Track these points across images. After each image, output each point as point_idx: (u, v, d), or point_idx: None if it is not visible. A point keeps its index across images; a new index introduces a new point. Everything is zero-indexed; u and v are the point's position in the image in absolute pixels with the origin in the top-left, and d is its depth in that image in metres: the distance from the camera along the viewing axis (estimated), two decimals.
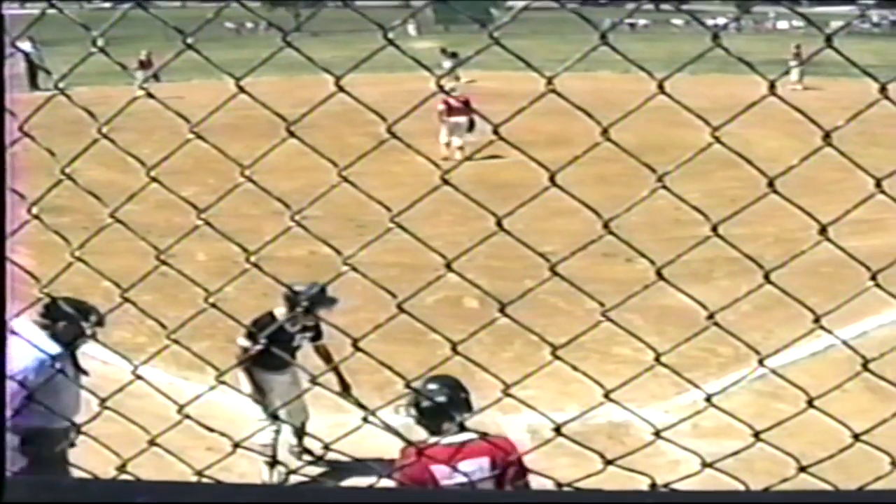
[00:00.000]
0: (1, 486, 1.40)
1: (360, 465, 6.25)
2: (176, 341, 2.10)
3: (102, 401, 2.10)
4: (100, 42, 1.78)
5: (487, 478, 4.34)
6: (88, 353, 5.40)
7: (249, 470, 6.87)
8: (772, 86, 1.58)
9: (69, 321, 4.99)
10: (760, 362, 1.92)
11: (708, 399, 1.99)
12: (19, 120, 1.60)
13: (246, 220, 8.17)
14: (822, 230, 1.66)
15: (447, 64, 24.24)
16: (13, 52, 1.62)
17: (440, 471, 4.31)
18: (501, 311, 1.83)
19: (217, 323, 5.30)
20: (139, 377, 2.30)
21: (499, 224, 1.74)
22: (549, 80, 1.59)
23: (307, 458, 7.15)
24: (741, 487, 1.56)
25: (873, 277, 1.78)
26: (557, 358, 1.89)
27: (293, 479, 6.84)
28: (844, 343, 2.09)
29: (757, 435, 1.84)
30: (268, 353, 6.34)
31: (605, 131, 1.63)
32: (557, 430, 1.92)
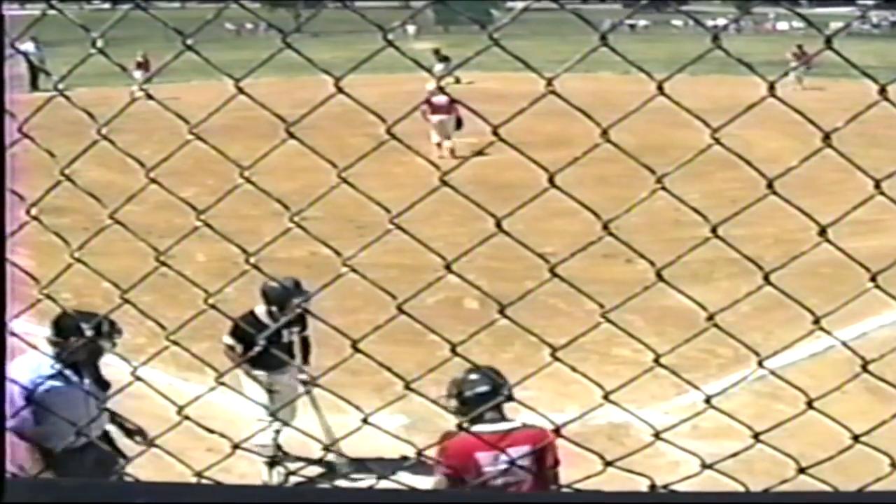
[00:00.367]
0: (1, 486, 1.40)
1: (359, 465, 6.26)
2: (175, 342, 2.09)
3: (101, 402, 2.10)
4: (99, 43, 1.78)
5: (528, 465, 4.48)
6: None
7: (249, 471, 6.87)
8: (771, 87, 1.58)
9: (80, 336, 4.79)
10: (760, 363, 1.92)
11: (707, 400, 1.99)
12: (19, 121, 1.60)
13: (246, 221, 8.18)
14: (822, 231, 1.66)
15: (439, 67, 24.28)
16: (13, 53, 1.62)
17: (484, 457, 4.47)
18: (501, 312, 1.83)
19: (217, 324, 5.30)
20: (139, 378, 2.29)
21: (498, 225, 1.74)
22: (549, 81, 1.59)
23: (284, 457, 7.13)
24: (741, 488, 1.56)
25: (873, 279, 1.78)
26: (557, 359, 1.89)
27: (292, 479, 6.84)
28: (844, 344, 2.09)
29: (756, 436, 1.84)
30: (266, 353, 6.37)
31: (604, 132, 1.63)
32: (557, 431, 1.92)
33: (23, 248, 1.68)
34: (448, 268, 1.78)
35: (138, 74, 23.37)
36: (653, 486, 1.66)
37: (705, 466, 1.76)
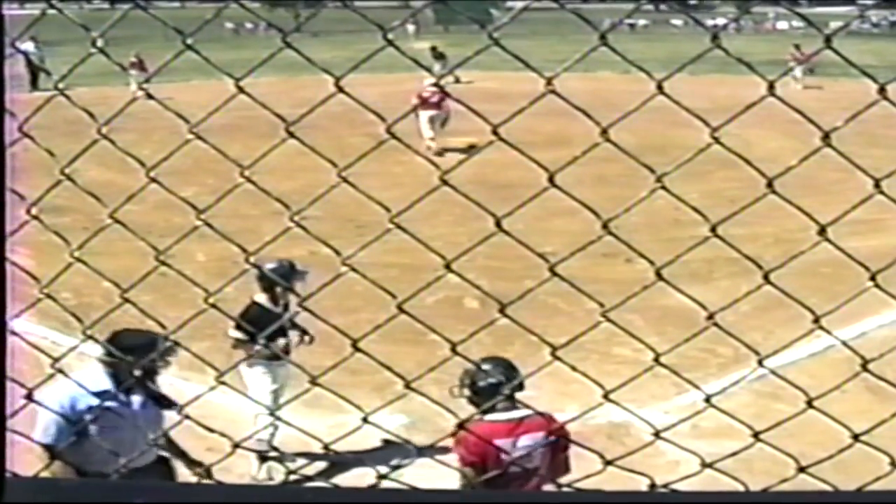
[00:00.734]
0: (1, 486, 1.40)
1: (359, 465, 6.25)
2: (175, 342, 2.09)
3: (99, 407, 2.10)
4: (99, 42, 1.78)
5: (542, 451, 4.70)
6: (86, 352, 5.38)
7: (249, 470, 6.88)
8: (771, 86, 1.58)
9: (135, 355, 4.28)
10: (760, 363, 1.92)
11: (707, 399, 1.99)
12: (19, 120, 1.60)
13: (245, 221, 8.17)
14: (822, 231, 1.66)
15: (436, 66, 24.27)
16: (13, 53, 1.62)
17: (503, 444, 4.65)
18: (501, 311, 1.83)
19: (217, 323, 5.30)
20: (138, 378, 2.29)
21: (498, 224, 1.74)
22: (549, 81, 1.59)
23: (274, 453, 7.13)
24: (741, 488, 1.56)
25: (872, 278, 1.78)
26: (557, 358, 1.89)
27: (292, 478, 6.84)
28: (844, 343, 2.09)
29: (756, 435, 1.84)
30: (272, 340, 6.46)
31: (604, 132, 1.63)
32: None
33: (23, 247, 1.68)
34: (448, 267, 1.78)
35: (135, 73, 23.42)
36: (653, 486, 1.66)
37: (705, 466, 1.77)
